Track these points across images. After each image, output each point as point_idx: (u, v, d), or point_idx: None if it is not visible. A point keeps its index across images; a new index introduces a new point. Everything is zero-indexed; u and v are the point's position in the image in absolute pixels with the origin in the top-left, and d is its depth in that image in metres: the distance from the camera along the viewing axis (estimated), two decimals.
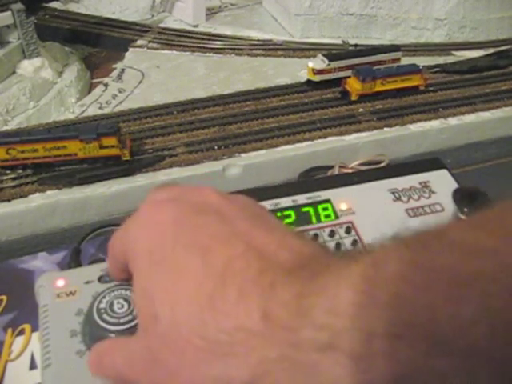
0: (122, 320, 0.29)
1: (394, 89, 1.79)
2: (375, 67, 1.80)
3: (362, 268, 0.19)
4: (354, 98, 1.77)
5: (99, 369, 0.25)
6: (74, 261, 0.55)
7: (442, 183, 0.50)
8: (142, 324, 0.24)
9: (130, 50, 2.34)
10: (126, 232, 0.26)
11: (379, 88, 1.77)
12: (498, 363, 0.16)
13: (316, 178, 0.86)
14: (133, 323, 0.28)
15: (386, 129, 1.66)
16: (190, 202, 0.25)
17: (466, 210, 0.44)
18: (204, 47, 2.33)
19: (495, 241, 0.17)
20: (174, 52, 2.31)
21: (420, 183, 0.50)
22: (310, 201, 0.47)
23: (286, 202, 0.47)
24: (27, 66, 2.00)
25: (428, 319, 0.17)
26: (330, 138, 1.62)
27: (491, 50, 2.22)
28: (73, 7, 2.68)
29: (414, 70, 1.81)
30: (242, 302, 0.20)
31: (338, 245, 0.44)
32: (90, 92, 2.08)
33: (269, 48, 2.31)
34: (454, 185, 0.49)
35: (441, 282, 0.17)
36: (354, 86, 1.77)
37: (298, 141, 1.60)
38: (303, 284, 0.20)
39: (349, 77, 1.80)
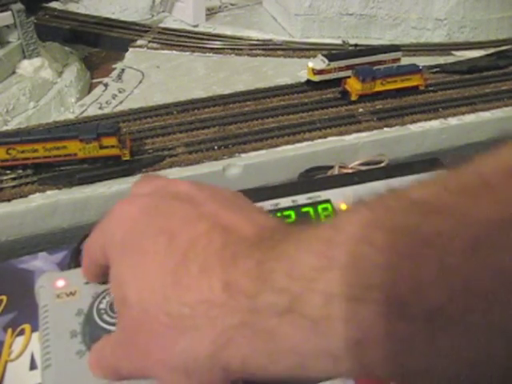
0: None
1: (393, 89, 1.79)
2: (375, 67, 1.80)
3: (321, 230, 0.19)
4: (353, 98, 1.77)
5: (100, 369, 0.25)
6: (74, 261, 0.55)
7: None
8: (117, 311, 0.24)
9: (130, 49, 2.34)
10: (102, 230, 0.26)
11: (379, 88, 1.77)
12: (460, 329, 0.15)
13: (316, 178, 0.86)
14: None
15: (386, 129, 1.66)
16: (163, 192, 0.25)
17: None
18: (204, 47, 2.33)
19: (453, 198, 0.17)
20: (174, 52, 2.31)
21: None
22: (310, 201, 0.47)
23: (285, 202, 0.47)
24: (27, 66, 2.00)
25: (387, 281, 0.16)
26: (329, 138, 1.62)
27: (491, 50, 2.22)
28: (73, 7, 2.69)
29: (413, 69, 1.81)
30: (204, 276, 0.20)
31: None
32: (90, 92, 2.09)
33: (269, 48, 2.31)
34: None
35: (400, 243, 0.16)
36: (354, 86, 1.77)
37: (298, 141, 1.60)
38: (264, 252, 0.19)
39: (349, 77, 1.80)
